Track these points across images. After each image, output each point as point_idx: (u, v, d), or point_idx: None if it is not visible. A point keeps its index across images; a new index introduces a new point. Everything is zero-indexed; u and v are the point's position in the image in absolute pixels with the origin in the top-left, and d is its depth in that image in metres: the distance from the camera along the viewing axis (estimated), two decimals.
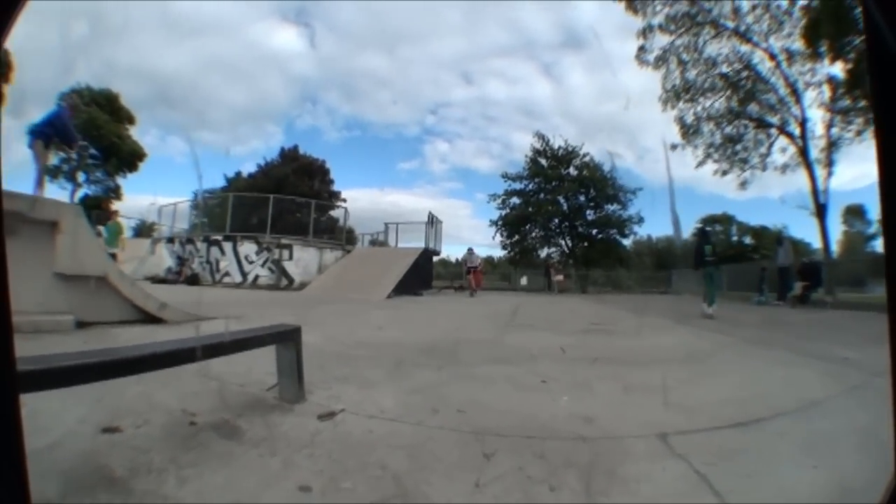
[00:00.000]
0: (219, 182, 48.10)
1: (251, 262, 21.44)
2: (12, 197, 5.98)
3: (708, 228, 28.86)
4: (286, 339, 3.41)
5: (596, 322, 9.79)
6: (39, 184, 10.15)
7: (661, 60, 28.56)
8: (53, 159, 11.15)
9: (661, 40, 28.15)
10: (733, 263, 35.42)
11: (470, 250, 25.41)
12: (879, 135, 1.11)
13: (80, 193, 38.31)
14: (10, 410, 1.05)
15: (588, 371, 4.82)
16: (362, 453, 2.54)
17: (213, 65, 75.22)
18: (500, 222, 42.55)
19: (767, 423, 3.22)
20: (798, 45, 24.02)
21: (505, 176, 42.82)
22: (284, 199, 25.14)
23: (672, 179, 40.55)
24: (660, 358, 5.91)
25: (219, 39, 71.50)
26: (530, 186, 42.25)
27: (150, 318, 6.87)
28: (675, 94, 29.01)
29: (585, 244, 41.96)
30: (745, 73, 27.10)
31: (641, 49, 28.78)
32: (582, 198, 41.67)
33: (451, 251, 68.03)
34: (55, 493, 2.01)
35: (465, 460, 2.49)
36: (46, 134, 10.33)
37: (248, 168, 52.30)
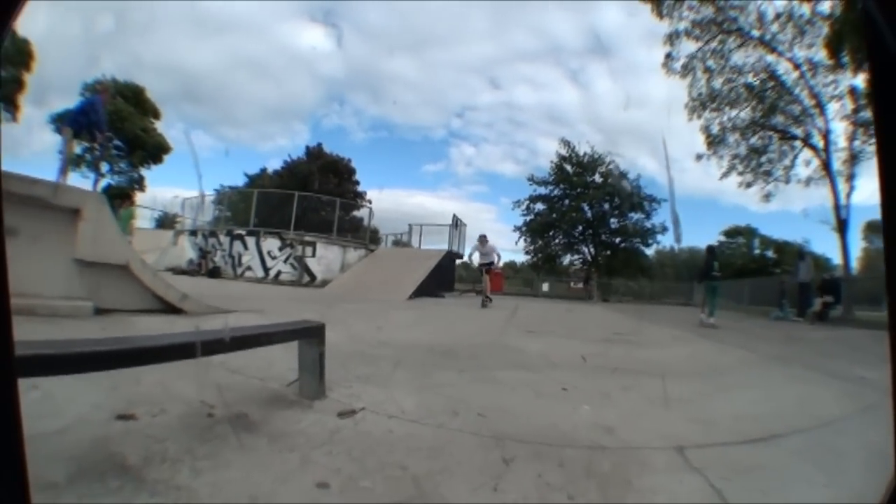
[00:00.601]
0: (241, 179, 48.88)
1: (274, 258, 21.68)
2: (34, 183, 6.12)
3: (716, 246, 28.90)
4: (310, 335, 3.42)
5: (617, 331, 9.86)
6: (63, 171, 10.37)
7: (687, 68, 28.91)
8: (77, 148, 11.34)
9: (687, 48, 28.59)
10: (755, 277, 35.14)
11: (482, 238, 17.39)
12: (879, 135, 1.14)
13: (103, 183, 38.92)
14: (8, 400, 1.04)
15: (608, 380, 4.88)
16: (382, 453, 2.55)
17: (240, 63, 76.86)
18: (524, 228, 42.93)
19: (783, 440, 3.24)
20: (821, 55, 24.19)
21: (531, 179, 43.38)
22: (309, 196, 25.32)
23: (672, 179, 40.72)
24: (680, 370, 6.05)
25: (247, 38, 73.01)
26: (555, 192, 42.55)
27: (170, 309, 6.94)
28: (700, 103, 29.30)
29: (608, 252, 41.96)
30: (770, 84, 27.31)
31: (668, 56, 29.19)
32: (606, 205, 41.81)
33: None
34: (62, 477, 2.01)
35: (485, 464, 2.51)
36: (79, 122, 10.55)
37: (274, 165, 52.91)
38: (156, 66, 66.83)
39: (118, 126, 36.65)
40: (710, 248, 16.72)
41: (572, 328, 10.53)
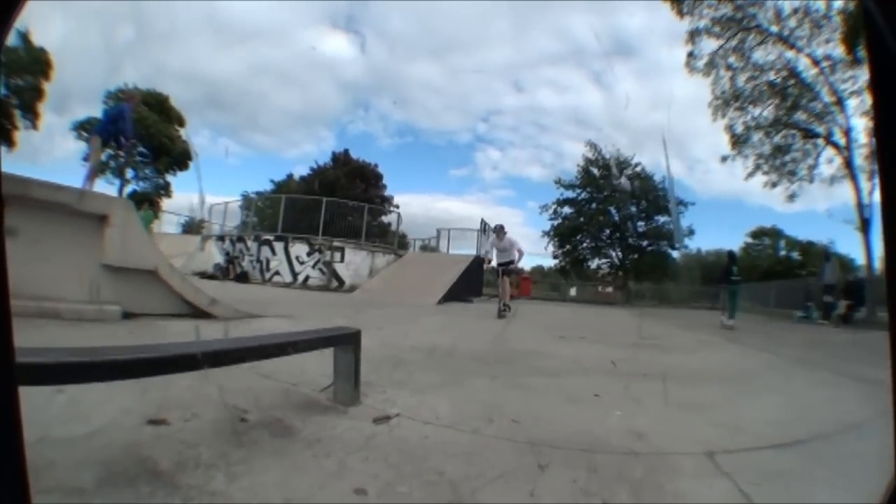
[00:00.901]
0: (268, 185, 49.59)
1: (302, 263, 21.77)
2: (59, 189, 6.26)
3: (735, 251, 28.75)
4: (346, 342, 3.46)
5: (646, 336, 9.90)
6: (90, 178, 10.59)
7: (710, 66, 29.12)
8: (101, 156, 11.64)
9: (709, 46, 28.85)
10: (781, 279, 34.74)
11: (499, 230, 13.91)
12: (879, 135, 1.15)
13: (128, 189, 39.78)
14: (9, 405, 1.02)
15: (639, 386, 4.91)
16: (418, 458, 2.57)
17: (264, 70, 77.91)
18: (551, 232, 43.07)
19: (808, 445, 3.32)
20: (839, 51, 24.06)
21: (558, 182, 43.42)
22: (337, 202, 25.42)
23: (672, 179, 40.58)
24: (708, 375, 6.15)
25: (269, 45, 73.94)
26: (582, 196, 42.40)
27: (199, 313, 6.99)
28: (724, 102, 29.53)
29: (635, 256, 41.65)
30: (791, 81, 27.38)
31: (690, 55, 29.48)
32: (633, 208, 41.43)
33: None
34: (90, 481, 2.02)
35: (521, 470, 2.53)
36: (108, 130, 10.82)
37: (301, 171, 53.57)
38: (179, 75, 68.19)
39: (142, 133, 37.32)
40: (731, 254, 17.58)
41: (601, 333, 10.58)
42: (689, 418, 3.84)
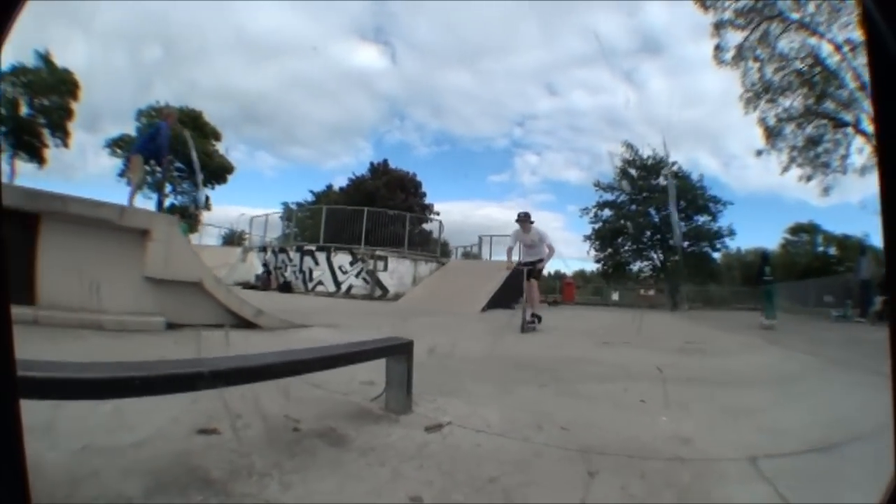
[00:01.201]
0: (307, 196, 50.54)
1: (345, 273, 22.02)
2: (99, 206, 6.55)
3: (768, 251, 28.24)
4: (400, 351, 3.52)
5: (689, 340, 9.95)
6: (133, 196, 11.07)
7: (737, 58, 29.32)
8: (142, 174, 12.10)
9: (735, 38, 29.06)
10: (818, 276, 34.00)
11: (524, 220, 11.36)
12: (879, 135, 1.16)
13: (166, 203, 40.89)
14: (10, 412, 1.04)
15: (684, 391, 4.99)
16: (471, 466, 2.62)
17: (297, 84, 79.19)
18: (592, 236, 42.81)
19: (846, 448, 3.32)
20: (858, 34, 23.72)
21: (597, 185, 42.95)
22: (378, 211, 25.66)
23: (673, 178, 40.03)
24: (751, 378, 6.21)
25: (300, 60, 75.11)
26: (621, 198, 42.16)
27: (244, 324, 7.12)
28: (755, 94, 29.67)
29: (676, 258, 41.00)
30: (816, 69, 27.36)
31: (717, 48, 29.74)
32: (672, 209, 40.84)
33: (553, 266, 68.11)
34: (138, 490, 2.05)
35: (571, 477, 2.58)
36: (148, 149, 11.33)
37: (340, 182, 54.45)
38: (211, 91, 70.24)
39: (177, 149, 38.49)
40: (763, 254, 18.46)
41: (645, 338, 10.53)
42: (732, 423, 3.92)
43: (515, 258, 12.21)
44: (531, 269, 11.09)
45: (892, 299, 1.15)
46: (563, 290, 32.10)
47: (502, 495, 2.29)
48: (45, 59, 42.66)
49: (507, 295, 18.63)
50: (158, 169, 15.18)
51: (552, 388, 4.75)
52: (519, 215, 11.40)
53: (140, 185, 12.49)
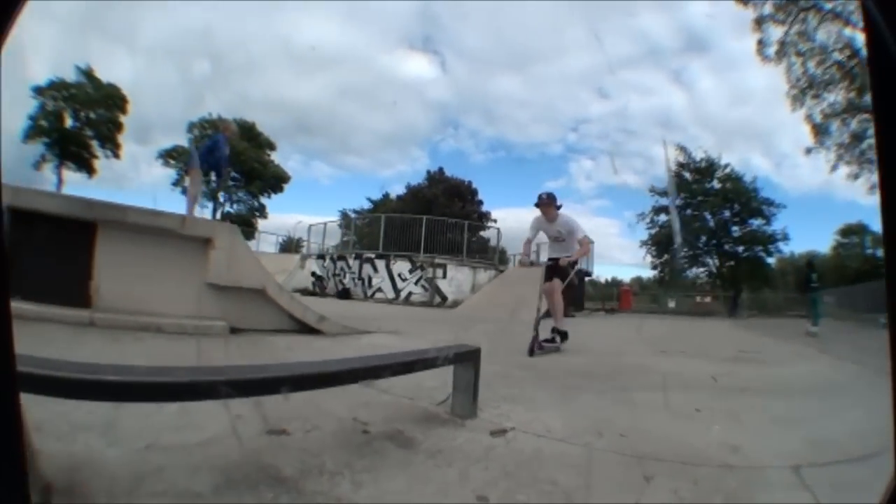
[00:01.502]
0: (364, 203, 51.43)
1: (404, 280, 22.32)
2: (158, 215, 6.98)
3: (814, 257, 27.12)
4: (468, 358, 3.62)
5: (743, 349, 9.92)
6: (192, 206, 11.55)
7: (780, 53, 29.08)
8: (202, 186, 12.62)
9: (777, 33, 28.88)
10: (868, 281, 32.61)
11: (546, 203, 8.31)
12: (879, 135, 1.17)
13: (221, 211, 42.58)
14: (10, 411, 1.06)
15: (736, 400, 5.09)
16: (534, 469, 2.71)
17: (348, 95, 79.88)
18: (648, 241, 42.09)
19: (884, 457, 3.17)
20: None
21: (652, 190, 42.02)
22: (436, 219, 25.88)
23: (672, 176, 38.83)
24: (800, 387, 6.27)
25: (350, 71, 75.94)
26: (676, 202, 41.02)
27: (306, 329, 7.30)
28: (800, 91, 29.44)
29: (732, 263, 39.95)
30: (853, 61, 26.72)
31: (760, 43, 29.55)
32: (727, 212, 39.91)
33: (601, 271, 67.39)
34: (207, 486, 2.14)
35: (628, 481, 2.68)
36: (207, 161, 11.75)
37: (396, 190, 55.00)
38: (263, 103, 71.76)
39: (233, 159, 39.86)
40: (809, 261, 19.40)
41: (700, 347, 10.59)
42: (780, 432, 4.00)
43: (542, 257, 10.15)
44: (554, 266, 8.29)
45: (893, 299, 1.15)
46: (620, 297, 31.69)
47: (563, 496, 2.40)
48: (88, 74, 45.06)
49: (566, 303, 18.54)
50: (219, 181, 15.69)
51: (610, 395, 4.83)
52: (539, 198, 8.24)
53: (199, 197, 12.99)
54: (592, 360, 7.28)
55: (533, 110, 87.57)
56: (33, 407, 1.92)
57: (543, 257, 9.70)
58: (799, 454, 3.27)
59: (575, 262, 8.50)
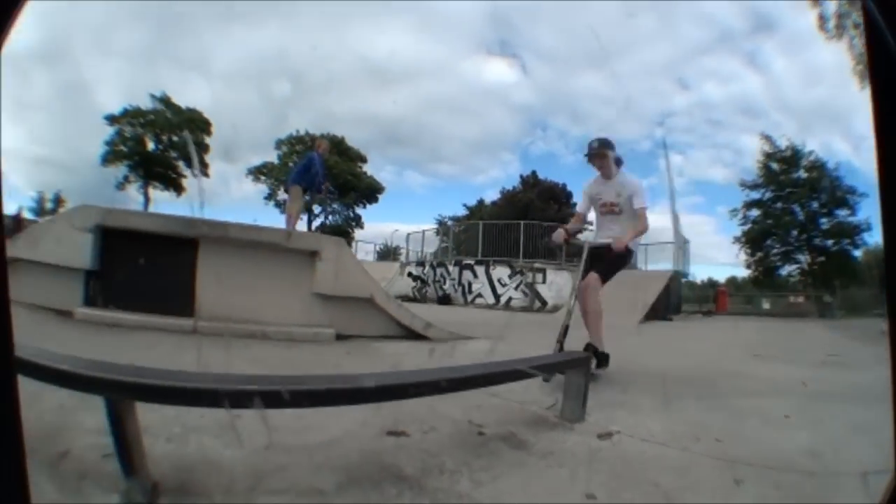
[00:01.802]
0: (459, 210, 52.11)
1: (504, 285, 22.46)
2: (266, 230, 7.75)
3: None
4: (578, 365, 3.78)
5: (832, 352, 9.60)
6: (293, 222, 12.55)
7: (839, 27, 26.73)
8: (302, 203, 13.35)
9: (832, 5, 26.92)
10: None
11: (596, 150, 5.67)
12: (879, 135, 1.18)
13: (316, 223, 44.36)
14: (9, 400, 1.10)
15: (823, 406, 5.01)
16: (637, 471, 2.84)
17: (433, 104, 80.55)
18: (742, 238, 39.83)
19: None
20: None
21: (742, 184, 39.66)
22: (533, 224, 25.91)
23: (671, 171, 35.94)
24: (882, 394, 5.58)
25: (431, 81, 76.71)
26: (766, 195, 38.80)
27: (411, 335, 7.55)
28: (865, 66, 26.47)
29: (822, 259, 37.34)
30: None
31: (821, 18, 27.47)
32: (814, 204, 37.30)
33: (698, 272, 65.07)
34: (330, 484, 2.32)
35: (720, 484, 2.79)
36: (305, 179, 12.51)
37: (490, 195, 55.47)
38: (348, 117, 73.70)
39: (329, 174, 41.37)
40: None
41: (792, 351, 10.32)
42: (857, 440, 3.87)
43: (588, 236, 6.68)
44: (600, 252, 5.63)
45: (892, 299, 1.20)
46: (716, 299, 30.44)
47: (663, 496, 2.54)
48: (165, 101, 48.68)
49: (664, 307, 18.13)
50: (320, 197, 16.29)
51: (708, 402, 4.87)
52: (590, 147, 5.77)
53: (299, 213, 13.64)
54: (692, 365, 7.31)
55: (617, 106, 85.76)
56: (143, 412, 2.16)
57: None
58: (870, 461, 3.10)
59: (629, 252, 5.91)
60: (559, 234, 5.90)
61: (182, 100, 49.73)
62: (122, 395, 2.04)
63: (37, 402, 2.70)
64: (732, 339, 13.06)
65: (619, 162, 5.80)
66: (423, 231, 30.49)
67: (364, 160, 53.61)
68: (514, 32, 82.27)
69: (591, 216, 6.33)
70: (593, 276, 5.56)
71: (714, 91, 75.50)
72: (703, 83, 77.20)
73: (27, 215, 36.29)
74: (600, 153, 5.66)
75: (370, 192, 52.86)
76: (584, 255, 5.60)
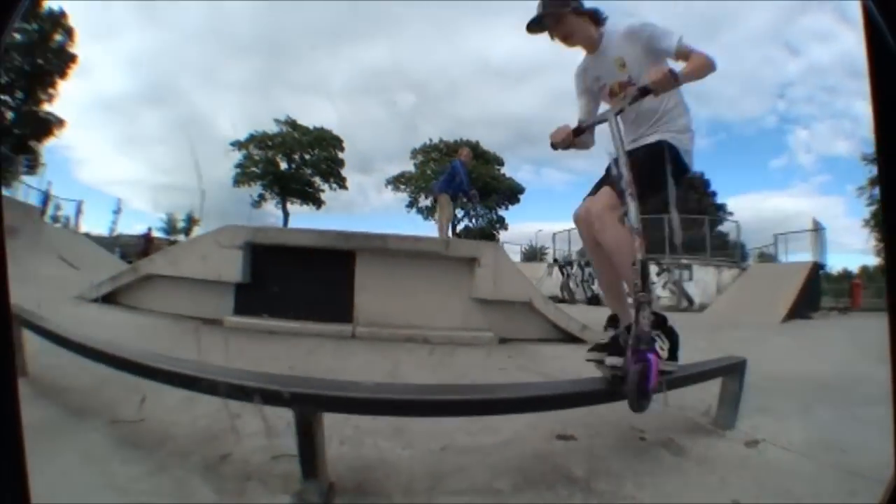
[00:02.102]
0: None
1: (652, 284, 21.79)
2: (424, 240, 8.27)
3: None
4: (735, 371, 3.82)
5: None
6: (445, 229, 13.52)
7: None
8: (451, 210, 13.90)
9: None
10: None
11: (551, 11, 3.17)
12: (879, 135, 1.20)
13: (460, 227, 45.42)
14: (9, 400, 1.10)
15: None
16: (778, 479, 2.90)
17: (560, 98, 79.19)
18: (871, 221, 36.39)
19: None
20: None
21: (864, 158, 36.04)
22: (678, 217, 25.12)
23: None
24: None
25: (553, 75, 75.53)
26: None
27: (568, 338, 7.73)
28: None
29: None
30: None
31: None
32: None
33: (833, 262, 61.13)
34: (507, 484, 2.56)
35: (839, 496, 2.77)
36: (451, 187, 13.19)
37: None
38: (479, 121, 74.41)
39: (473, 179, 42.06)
40: None
41: None
42: None
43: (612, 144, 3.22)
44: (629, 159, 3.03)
45: (893, 299, 1.22)
46: (851, 293, 27.64)
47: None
48: (292, 123, 52.04)
49: (803, 302, 16.74)
50: (470, 203, 16.83)
51: (843, 411, 4.71)
52: (533, 20, 3.26)
53: (450, 221, 14.25)
54: (829, 370, 6.97)
55: (737, 81, 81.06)
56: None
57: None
58: None
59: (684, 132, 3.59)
60: (558, 136, 3.43)
61: (307, 121, 52.79)
62: (316, 409, 2.19)
63: (190, 407, 3.14)
64: (868, 339, 11.98)
65: (596, 18, 3.38)
66: (570, 230, 29.42)
67: (501, 163, 54.66)
68: (620, 13, 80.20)
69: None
70: (603, 198, 3.22)
71: (819, 52, 70.37)
72: (807, 46, 72.07)
73: (157, 234, 42.04)
74: (554, 15, 3.23)
75: (511, 193, 53.40)
76: (616, 135, 3.09)
